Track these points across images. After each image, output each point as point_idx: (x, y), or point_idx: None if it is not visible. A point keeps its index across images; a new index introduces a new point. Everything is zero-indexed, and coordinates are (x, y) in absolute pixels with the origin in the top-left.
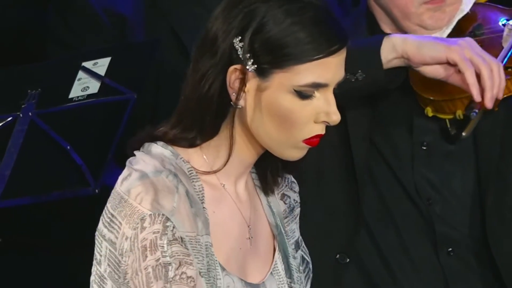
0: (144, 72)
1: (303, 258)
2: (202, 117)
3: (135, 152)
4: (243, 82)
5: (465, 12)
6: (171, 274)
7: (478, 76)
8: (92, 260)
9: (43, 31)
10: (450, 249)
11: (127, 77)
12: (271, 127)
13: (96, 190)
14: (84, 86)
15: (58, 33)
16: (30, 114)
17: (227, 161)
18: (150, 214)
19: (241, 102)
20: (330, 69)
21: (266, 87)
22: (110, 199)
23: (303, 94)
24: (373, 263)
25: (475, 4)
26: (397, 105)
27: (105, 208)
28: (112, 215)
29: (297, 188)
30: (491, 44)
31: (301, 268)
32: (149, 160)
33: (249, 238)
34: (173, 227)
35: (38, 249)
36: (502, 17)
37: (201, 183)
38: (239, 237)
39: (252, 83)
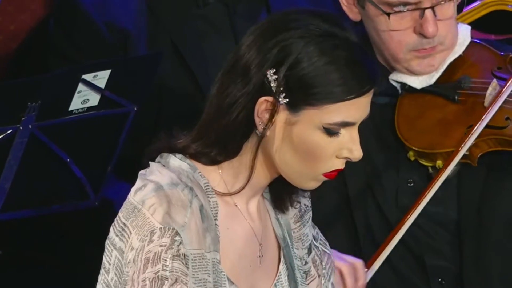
0: (145, 85)
1: (323, 252)
2: (226, 139)
3: (151, 163)
4: (272, 114)
5: (457, 55)
6: None
7: None
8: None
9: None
10: (440, 279)
11: (127, 90)
12: (295, 159)
13: (96, 203)
14: (84, 98)
15: (61, 47)
16: (30, 126)
17: (245, 186)
18: (161, 228)
19: (267, 132)
20: (360, 108)
21: (295, 121)
22: (123, 209)
23: (331, 131)
24: None
25: (470, 43)
26: (385, 143)
27: (117, 217)
28: (124, 224)
29: (307, 193)
30: (474, 101)
31: (323, 263)
32: (165, 172)
33: (260, 256)
34: (180, 243)
35: (38, 262)
36: (494, 65)
37: (216, 200)
38: (250, 255)
39: (281, 116)
